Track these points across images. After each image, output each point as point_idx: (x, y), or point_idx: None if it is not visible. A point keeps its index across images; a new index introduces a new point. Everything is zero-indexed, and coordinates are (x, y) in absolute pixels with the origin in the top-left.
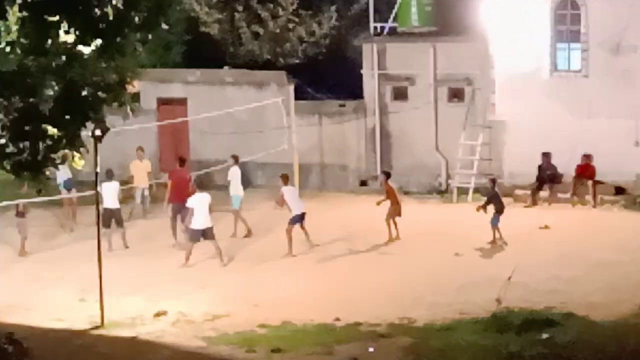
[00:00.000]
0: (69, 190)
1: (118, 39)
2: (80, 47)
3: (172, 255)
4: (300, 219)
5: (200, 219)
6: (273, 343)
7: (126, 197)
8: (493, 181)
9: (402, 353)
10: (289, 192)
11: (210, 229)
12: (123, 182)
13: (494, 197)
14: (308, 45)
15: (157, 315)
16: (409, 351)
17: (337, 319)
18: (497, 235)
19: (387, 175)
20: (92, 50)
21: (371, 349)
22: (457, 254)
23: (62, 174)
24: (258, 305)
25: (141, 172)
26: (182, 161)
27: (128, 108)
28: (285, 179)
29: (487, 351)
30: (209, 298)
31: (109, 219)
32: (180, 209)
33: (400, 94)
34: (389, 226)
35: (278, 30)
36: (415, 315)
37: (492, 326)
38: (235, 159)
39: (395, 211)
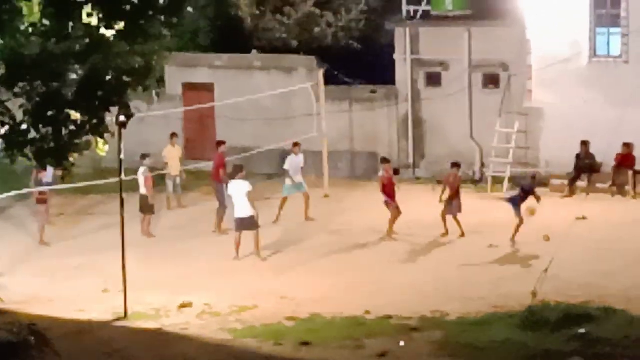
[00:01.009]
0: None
1: (142, 22)
2: (103, 31)
3: (200, 245)
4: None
5: (237, 208)
6: (301, 336)
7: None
8: (533, 177)
9: (434, 348)
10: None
11: (249, 219)
12: (153, 169)
13: (521, 196)
14: (338, 30)
15: (182, 306)
16: (441, 346)
17: (367, 312)
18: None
19: (458, 166)
20: (116, 34)
21: (402, 343)
22: (491, 246)
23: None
24: (286, 297)
25: (174, 159)
26: (217, 144)
27: (153, 93)
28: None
29: (522, 347)
30: (235, 290)
31: (140, 205)
32: (217, 190)
33: (433, 80)
34: (444, 221)
35: (306, 15)
36: (447, 309)
37: (527, 321)
38: (295, 146)
39: (457, 206)
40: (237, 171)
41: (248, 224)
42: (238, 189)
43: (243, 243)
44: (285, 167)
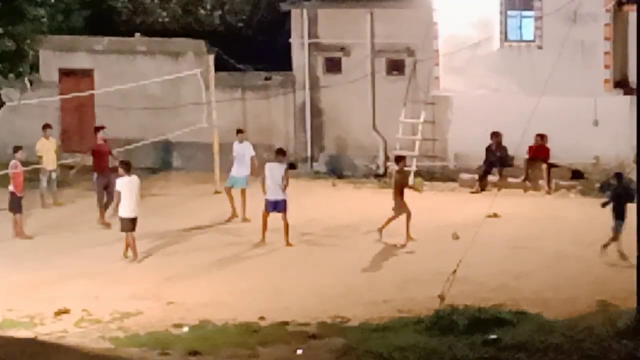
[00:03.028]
0: None
1: (17, 2)
2: None
3: (77, 245)
4: (272, 206)
5: (128, 206)
6: (190, 344)
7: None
8: (619, 176)
9: (334, 356)
10: (267, 171)
11: (134, 220)
12: (28, 163)
13: (616, 197)
14: (225, 12)
15: (59, 313)
16: (342, 354)
17: (262, 318)
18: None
19: (402, 160)
20: None
21: (299, 352)
22: (396, 246)
23: None
24: (173, 302)
25: (49, 152)
26: (95, 130)
27: (26, 80)
28: (282, 155)
29: (428, 354)
30: (117, 295)
31: (8, 203)
32: (103, 182)
33: (333, 66)
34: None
35: None
36: (349, 314)
37: (434, 326)
38: (240, 132)
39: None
40: (128, 167)
41: (133, 225)
42: (131, 186)
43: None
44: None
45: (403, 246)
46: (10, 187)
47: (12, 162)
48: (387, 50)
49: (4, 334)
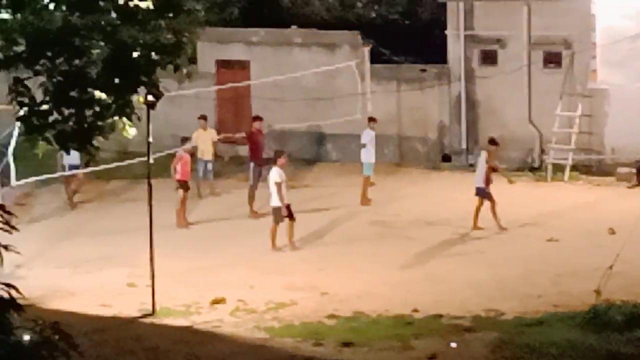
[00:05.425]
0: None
1: None
2: (136, 2)
3: (233, 236)
4: (475, 192)
5: (272, 196)
6: (343, 336)
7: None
8: None
9: (489, 349)
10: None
11: (273, 210)
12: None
13: None
14: (382, 4)
15: (215, 302)
16: (496, 347)
17: (416, 310)
18: None
19: None
20: (149, 7)
21: (453, 345)
22: (551, 240)
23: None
24: (327, 293)
25: (206, 142)
26: (253, 119)
27: (184, 71)
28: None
29: (584, 349)
30: (272, 285)
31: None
32: (257, 172)
33: (489, 58)
34: None
35: None
36: (503, 308)
37: (590, 321)
38: (371, 121)
39: None
40: (276, 157)
41: (273, 214)
42: (271, 177)
43: (282, 234)
44: (363, 141)
45: None
46: (178, 176)
47: (178, 152)
48: (543, 43)
49: (161, 322)
